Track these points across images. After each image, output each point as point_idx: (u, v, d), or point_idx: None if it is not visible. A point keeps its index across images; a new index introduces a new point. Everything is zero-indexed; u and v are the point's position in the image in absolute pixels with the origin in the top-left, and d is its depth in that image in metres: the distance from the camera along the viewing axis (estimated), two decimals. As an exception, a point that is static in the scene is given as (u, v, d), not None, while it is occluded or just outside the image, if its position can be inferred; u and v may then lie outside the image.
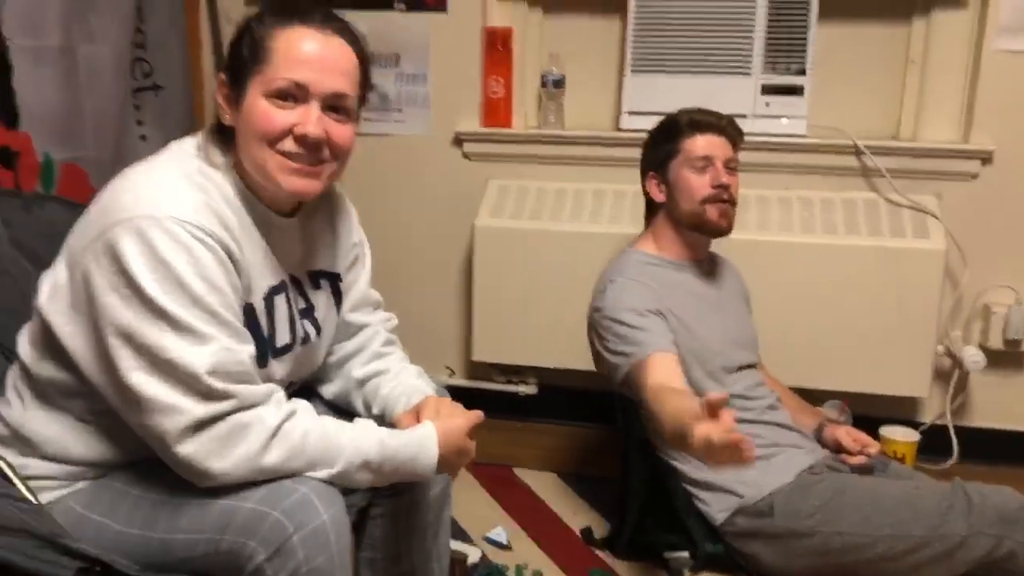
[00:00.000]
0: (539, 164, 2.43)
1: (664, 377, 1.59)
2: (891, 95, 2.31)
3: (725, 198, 1.78)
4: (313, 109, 1.16)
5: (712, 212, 1.78)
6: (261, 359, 1.18)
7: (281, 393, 1.15)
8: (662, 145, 1.84)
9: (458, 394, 2.56)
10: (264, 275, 1.21)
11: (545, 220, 2.35)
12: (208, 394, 1.06)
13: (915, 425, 2.27)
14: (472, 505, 2.18)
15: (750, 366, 1.86)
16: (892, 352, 2.20)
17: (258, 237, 1.20)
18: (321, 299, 1.35)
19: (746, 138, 2.26)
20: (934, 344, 2.20)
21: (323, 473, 1.12)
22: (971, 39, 2.20)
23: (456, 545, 1.87)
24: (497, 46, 2.39)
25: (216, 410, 1.07)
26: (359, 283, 1.44)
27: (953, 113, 2.25)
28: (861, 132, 2.25)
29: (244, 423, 1.08)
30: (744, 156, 2.28)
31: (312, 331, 1.32)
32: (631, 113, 2.33)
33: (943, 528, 1.52)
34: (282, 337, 1.25)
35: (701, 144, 1.79)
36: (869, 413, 2.21)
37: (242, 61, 1.16)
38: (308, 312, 1.32)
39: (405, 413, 1.33)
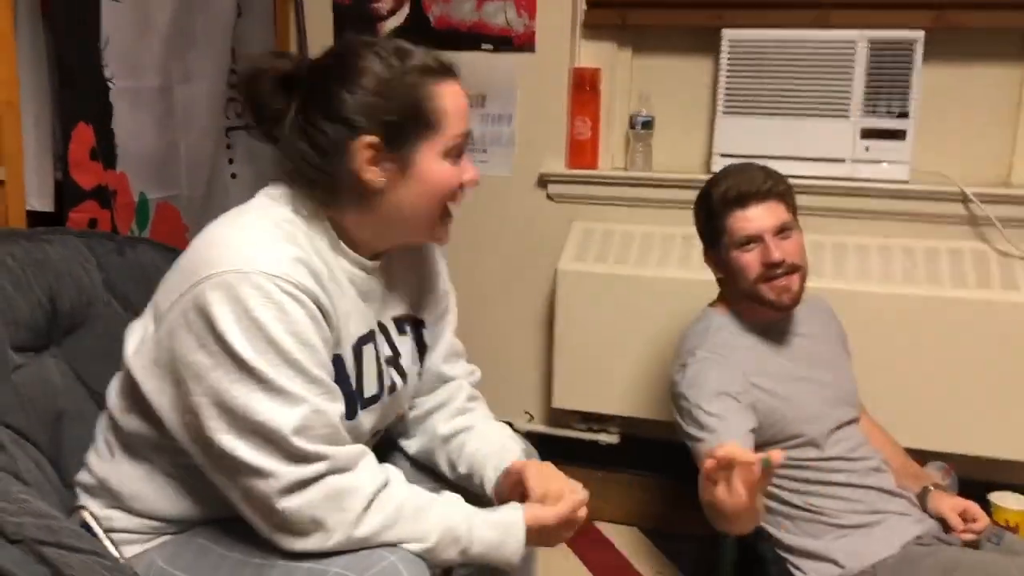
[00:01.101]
0: (625, 207, 2.37)
1: None
2: (1001, 140, 2.19)
3: (779, 273, 1.63)
4: (468, 157, 1.20)
5: (768, 292, 1.64)
6: (350, 411, 1.16)
7: (371, 456, 1.12)
8: (705, 224, 1.72)
9: (538, 441, 2.52)
10: (354, 324, 1.19)
11: (630, 265, 2.29)
12: (298, 456, 1.03)
13: (1026, 491, 2.12)
14: (553, 559, 2.11)
15: (850, 422, 1.75)
16: (1002, 412, 2.06)
17: (348, 285, 1.18)
18: (406, 346, 1.32)
19: (843, 183, 2.21)
20: (1049, 405, 2.05)
21: (414, 547, 1.08)
22: (1090, 81, 2.08)
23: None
24: (585, 87, 2.35)
25: (308, 473, 1.04)
26: (446, 332, 1.41)
27: (1069, 160, 2.12)
28: (968, 178, 2.14)
29: (339, 489, 1.05)
30: (842, 202, 2.22)
31: (398, 379, 1.29)
32: (723, 155, 2.26)
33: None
34: (370, 387, 1.22)
35: (743, 221, 1.63)
36: (977, 477, 2.07)
37: (403, 126, 1.14)
38: (394, 360, 1.29)
39: (505, 479, 1.28)
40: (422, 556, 1.08)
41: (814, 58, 2.19)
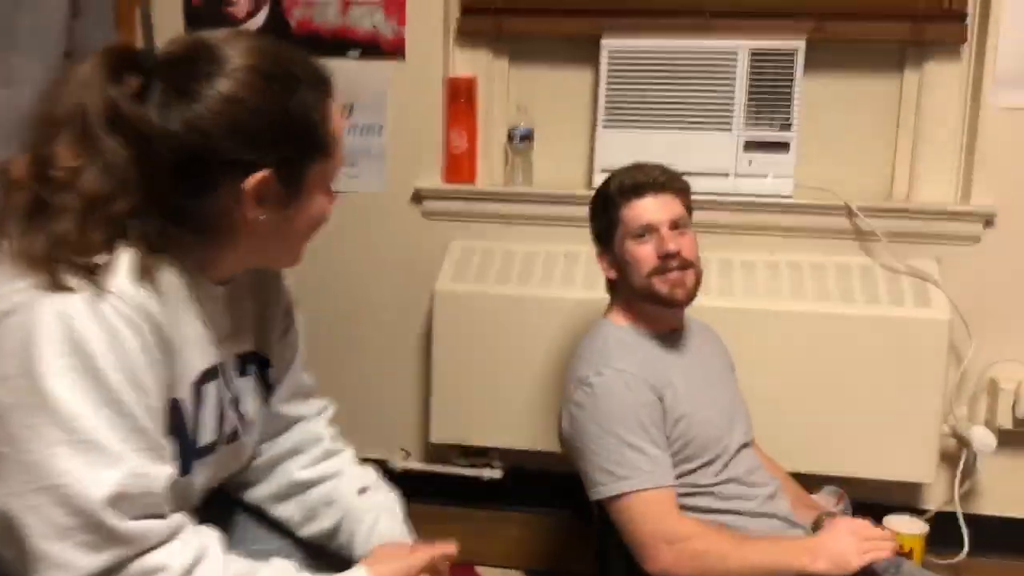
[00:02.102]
0: (506, 224, 2.23)
1: (684, 525, 1.43)
2: (884, 152, 2.15)
3: (674, 266, 1.55)
4: None
5: (661, 285, 1.54)
6: (182, 465, 0.95)
7: (189, 529, 0.90)
8: (600, 217, 1.63)
9: (415, 479, 2.36)
10: (198, 357, 0.97)
11: (512, 284, 2.14)
12: (102, 537, 0.81)
13: (919, 512, 2.06)
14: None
15: (746, 445, 1.63)
16: (893, 432, 1.99)
17: (192, 310, 0.96)
18: (248, 387, 1.10)
19: (728, 198, 2.12)
20: (939, 423, 2.00)
21: None
22: (967, 93, 2.06)
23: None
24: (460, 97, 2.21)
25: (110, 560, 0.82)
26: (293, 367, 1.20)
27: (951, 171, 2.09)
28: (853, 192, 2.09)
29: (142, 573, 0.84)
30: (727, 217, 2.13)
31: (239, 425, 1.07)
32: (604, 171, 2.12)
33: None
34: (205, 435, 1.00)
35: (639, 210, 1.56)
36: (870, 499, 1.99)
37: (299, 156, 0.95)
38: (235, 403, 1.07)
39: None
40: None
41: (696, 68, 2.11)
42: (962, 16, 2.02)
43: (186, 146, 0.88)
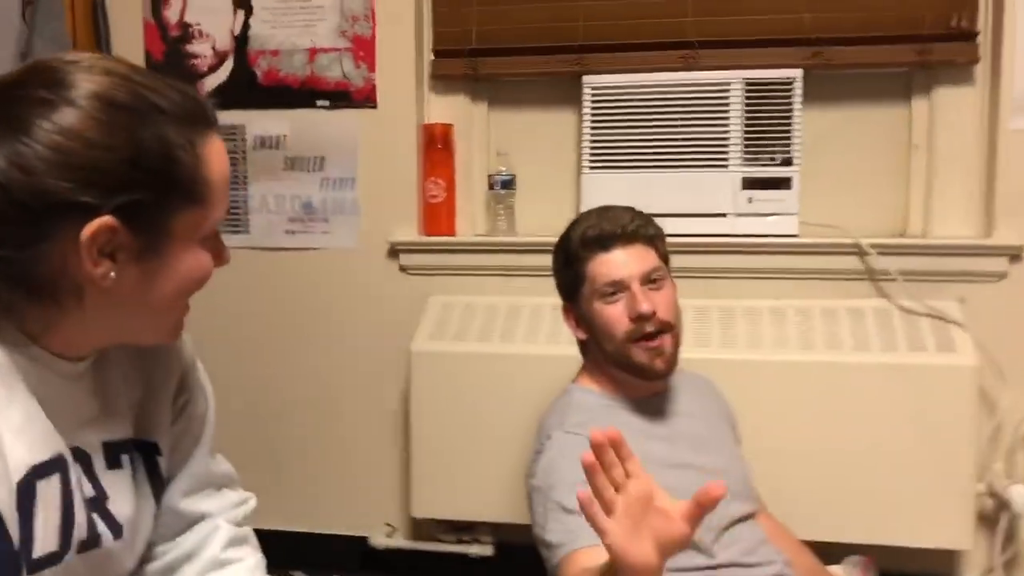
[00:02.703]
0: (488, 276, 2.07)
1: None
2: (895, 186, 1.98)
3: (650, 331, 1.36)
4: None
5: (640, 355, 1.36)
6: None
7: None
8: (564, 272, 1.46)
9: (400, 558, 2.18)
10: (27, 447, 0.79)
11: (495, 341, 1.97)
12: None
13: (957, 583, 1.84)
14: None
15: (745, 518, 1.43)
16: (922, 493, 1.78)
17: (22, 389, 0.79)
18: (119, 483, 0.91)
19: (728, 240, 1.96)
20: (973, 482, 1.79)
21: None
22: (983, 118, 1.89)
23: None
24: (437, 144, 2.08)
25: None
26: (195, 455, 1.01)
27: (970, 204, 1.92)
28: (863, 229, 1.91)
29: None
30: (727, 261, 1.96)
31: (106, 531, 0.89)
32: (590, 216, 2.00)
33: None
34: (46, 543, 0.81)
35: (606, 266, 1.38)
36: (901, 570, 1.78)
37: (154, 203, 0.79)
38: (99, 503, 0.89)
39: None
40: None
41: (686, 103, 1.97)
42: (973, 34, 1.87)
43: (7, 185, 0.73)
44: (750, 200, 1.96)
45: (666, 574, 1.28)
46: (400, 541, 2.12)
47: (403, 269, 2.11)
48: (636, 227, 1.40)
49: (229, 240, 2.23)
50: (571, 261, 1.43)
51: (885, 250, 1.88)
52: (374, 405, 2.13)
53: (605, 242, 1.39)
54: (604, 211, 1.45)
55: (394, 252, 2.11)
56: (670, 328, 1.38)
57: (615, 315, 1.37)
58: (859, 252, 1.90)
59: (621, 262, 1.38)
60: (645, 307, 1.34)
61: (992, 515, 1.87)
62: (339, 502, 2.16)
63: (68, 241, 0.75)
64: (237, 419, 2.11)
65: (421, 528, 2.11)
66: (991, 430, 1.86)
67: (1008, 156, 1.85)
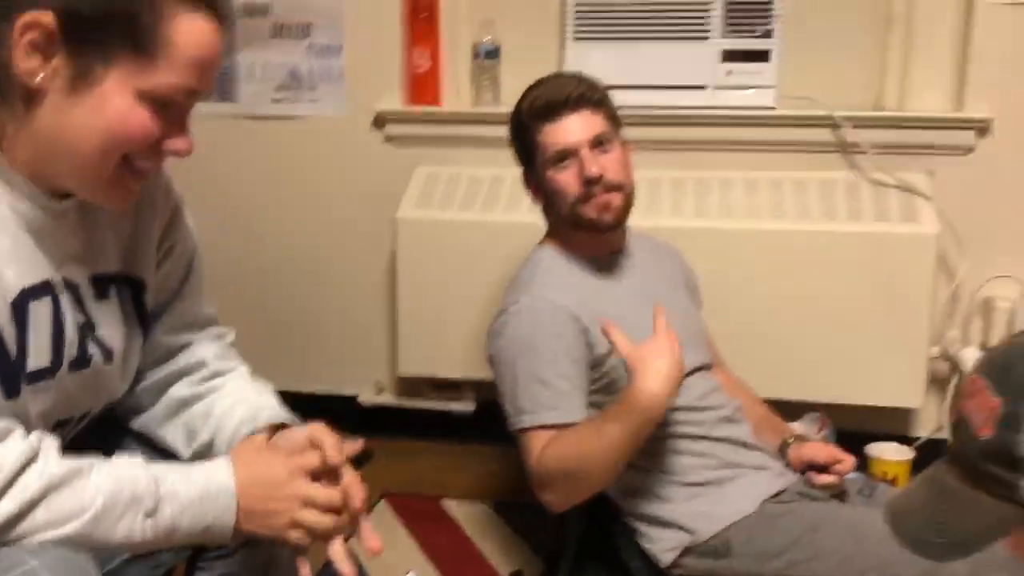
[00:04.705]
0: (472, 147, 2.12)
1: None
2: (872, 59, 2.01)
3: (597, 192, 1.42)
4: (188, 121, 0.93)
5: (588, 211, 1.43)
6: (8, 387, 0.87)
7: (18, 434, 0.83)
8: (518, 143, 1.51)
9: (387, 415, 2.30)
10: (15, 271, 0.86)
11: (479, 210, 2.04)
12: None
13: (908, 441, 1.95)
14: (384, 545, 1.83)
15: (700, 368, 1.53)
16: (879, 355, 1.89)
17: (9, 218, 0.86)
18: (108, 312, 0.99)
19: (706, 112, 2.00)
20: (928, 346, 1.89)
21: (73, 526, 0.81)
22: (962, -9, 1.91)
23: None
24: (421, 13, 2.09)
25: None
26: (181, 296, 1.09)
27: (944, 78, 1.94)
28: (839, 102, 1.95)
29: None
30: (704, 133, 2.01)
31: (96, 352, 0.97)
32: (575, 86, 2.03)
33: (940, 571, 1.20)
34: (38, 358, 0.90)
35: (555, 134, 1.42)
36: (854, 428, 1.90)
37: (96, 27, 0.82)
38: (89, 328, 0.97)
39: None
40: (87, 538, 0.81)
41: (668, -27, 1.98)
42: (955, -96, 1.86)
43: None
44: (729, 72, 2.00)
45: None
46: (388, 398, 2.24)
47: (389, 139, 2.16)
48: (581, 93, 1.43)
49: (218, 109, 2.27)
50: (522, 132, 1.48)
51: (858, 123, 1.93)
52: (362, 270, 2.22)
53: (552, 111, 1.43)
54: (551, 79, 1.49)
55: (380, 122, 2.15)
56: (620, 187, 1.44)
57: (566, 180, 1.43)
58: (832, 125, 1.95)
59: (568, 129, 1.42)
60: (593, 170, 1.40)
61: (945, 377, 1.98)
62: (332, 365, 2.26)
63: (15, 31, 0.79)
64: (226, 286, 2.18)
65: (407, 387, 2.22)
66: (948, 297, 1.95)
67: (985, 30, 1.87)
